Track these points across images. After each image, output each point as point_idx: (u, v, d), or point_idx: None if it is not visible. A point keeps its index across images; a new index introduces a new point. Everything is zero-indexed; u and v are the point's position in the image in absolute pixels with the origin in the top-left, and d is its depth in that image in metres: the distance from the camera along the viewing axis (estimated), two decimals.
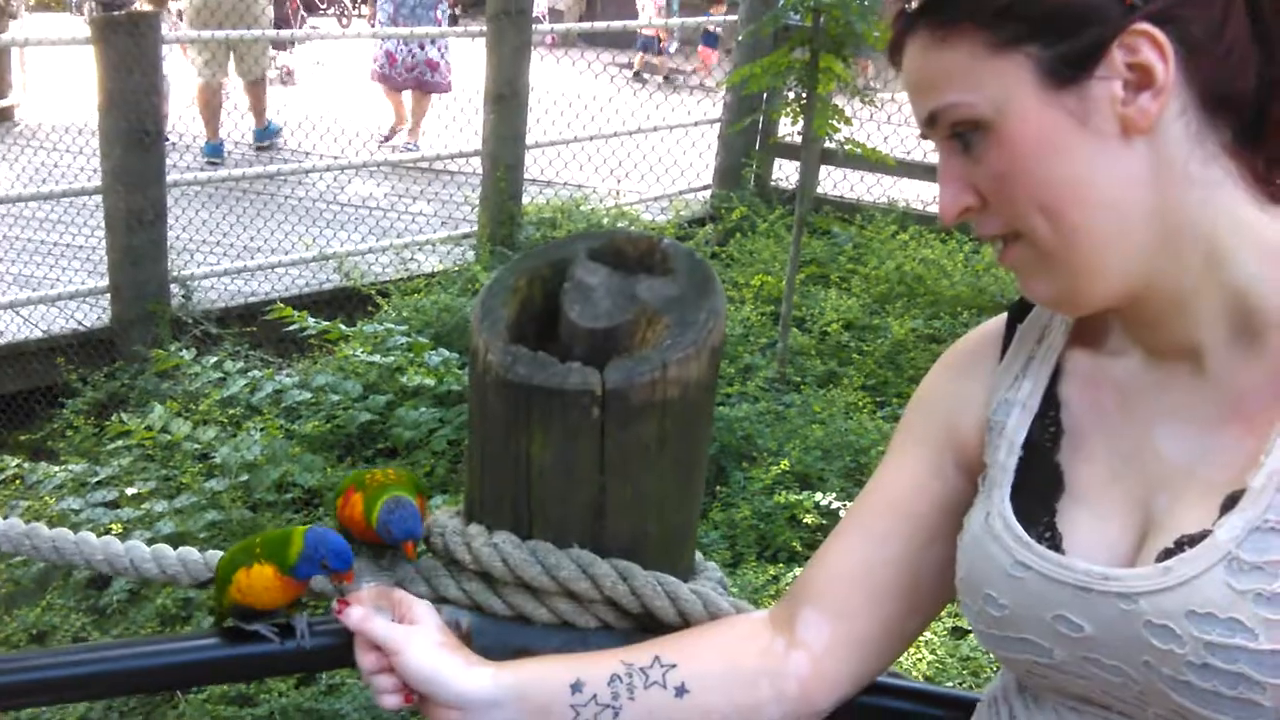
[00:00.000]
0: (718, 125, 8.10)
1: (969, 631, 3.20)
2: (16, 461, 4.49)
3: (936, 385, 1.17)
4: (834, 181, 7.91)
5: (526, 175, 7.28)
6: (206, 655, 1.32)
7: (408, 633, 1.11)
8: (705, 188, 8.19)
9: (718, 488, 4.17)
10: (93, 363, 5.78)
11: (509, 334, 1.26)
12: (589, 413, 1.19)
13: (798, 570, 3.58)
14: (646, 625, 1.23)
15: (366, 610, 1.13)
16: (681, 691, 1.09)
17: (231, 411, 4.76)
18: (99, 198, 5.91)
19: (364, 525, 1.29)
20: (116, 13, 7.56)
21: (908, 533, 1.11)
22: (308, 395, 4.44)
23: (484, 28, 6.96)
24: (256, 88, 9.36)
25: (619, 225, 7.17)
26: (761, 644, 1.14)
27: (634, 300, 1.28)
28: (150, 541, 3.54)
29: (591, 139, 7.92)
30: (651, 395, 1.19)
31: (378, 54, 9.40)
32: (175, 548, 1.47)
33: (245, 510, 3.98)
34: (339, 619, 1.14)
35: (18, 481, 4.44)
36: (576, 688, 1.08)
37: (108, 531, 3.90)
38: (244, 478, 4.00)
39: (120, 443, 4.57)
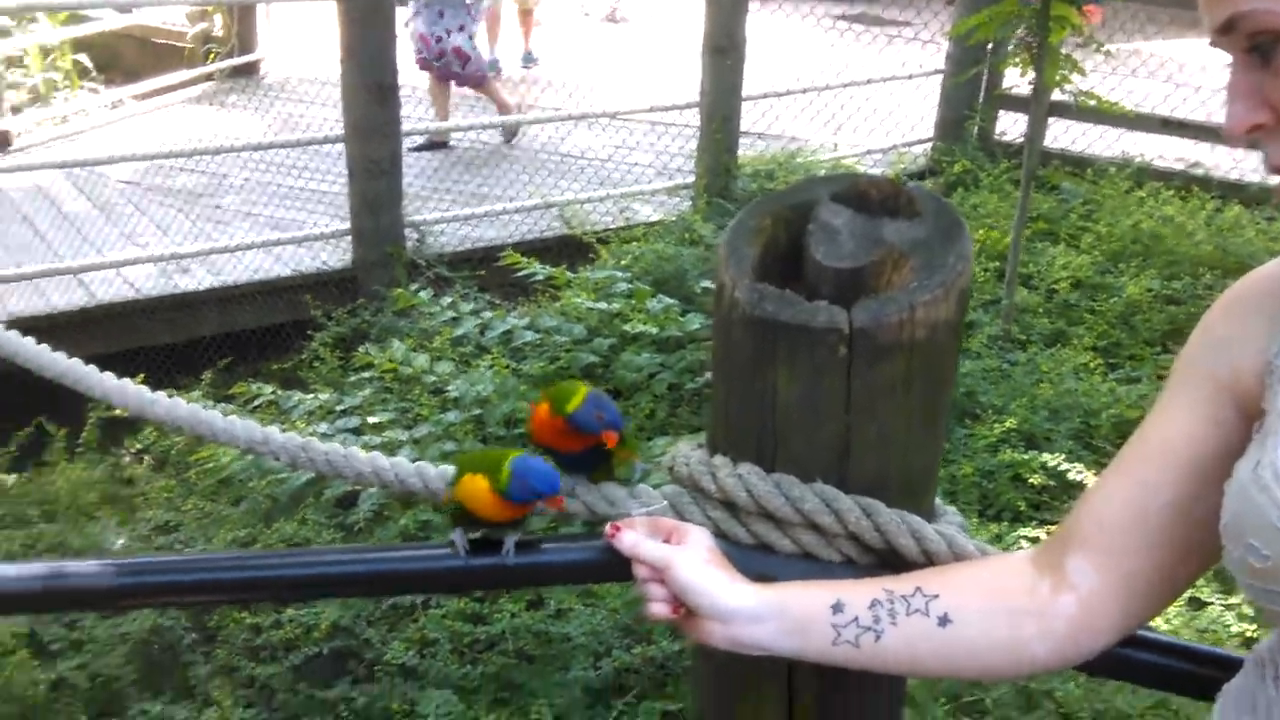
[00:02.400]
0: (939, 77, 7.85)
1: (1207, 604, 3.08)
2: (271, 388, 4.85)
3: (1213, 327, 1.12)
4: (1061, 135, 7.57)
5: (743, 128, 7.27)
6: (426, 565, 1.44)
7: (677, 550, 1.18)
8: (925, 140, 7.98)
9: None
10: (336, 300, 6.17)
11: (754, 272, 1.31)
12: (836, 351, 1.22)
13: (1022, 530, 3.52)
14: (889, 562, 1.27)
15: (637, 535, 1.21)
16: (945, 621, 1.11)
17: (462, 350, 5.00)
18: (341, 146, 6.26)
19: (560, 426, 1.37)
20: None
21: (1181, 479, 1.08)
22: (535, 336, 4.61)
23: None
24: (527, 16, 10.44)
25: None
26: (1026, 583, 1.14)
27: (880, 242, 1.30)
28: None
29: (806, 91, 7.83)
30: (899, 336, 1.22)
31: (413, 39, 8.26)
32: None
33: (477, 442, 4.19)
34: (611, 542, 1.22)
35: (273, 406, 4.80)
36: (838, 608, 1.12)
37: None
38: (477, 412, 4.21)
39: (363, 374, 4.88)
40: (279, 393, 4.81)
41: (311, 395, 4.79)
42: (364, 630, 3.24)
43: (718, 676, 1.44)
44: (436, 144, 8.22)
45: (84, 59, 10.49)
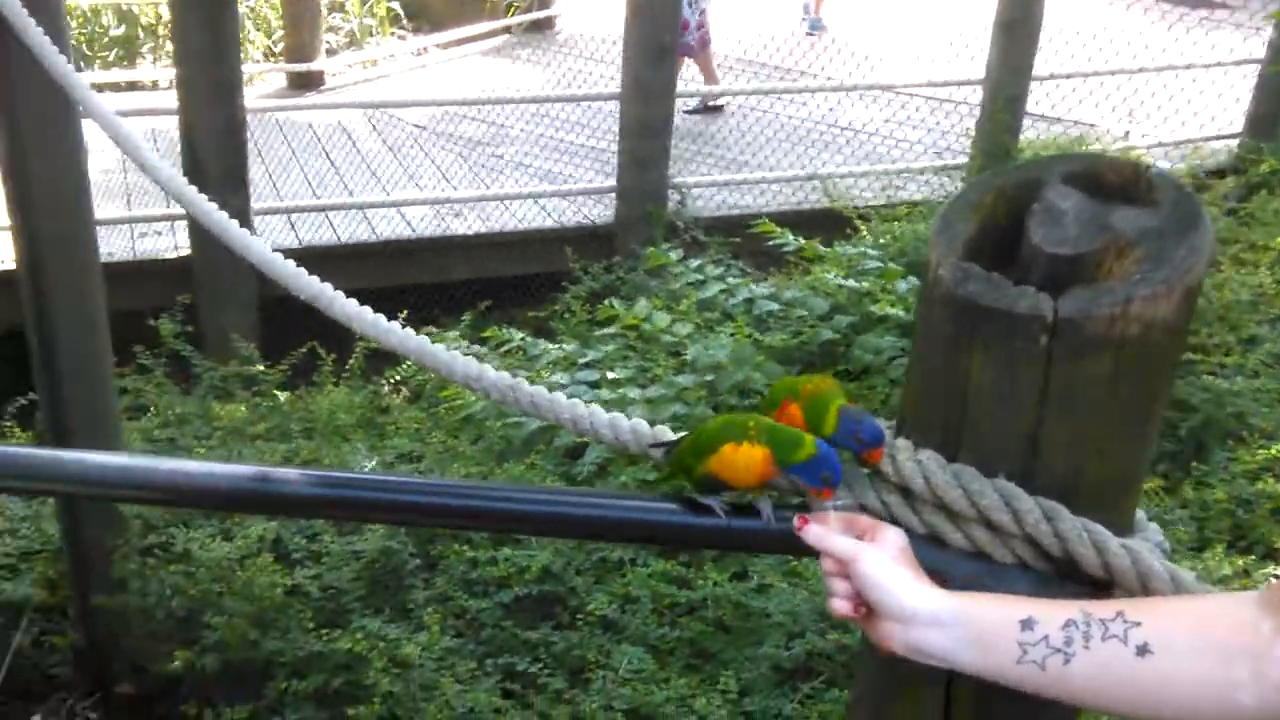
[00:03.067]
0: (1256, 66, 7.20)
1: None
2: (521, 335, 5.04)
3: None
4: None
5: (1030, 109, 6.92)
6: (664, 518, 1.43)
7: (864, 545, 1.14)
8: (1232, 136, 7.35)
9: (1194, 464, 3.81)
10: (594, 255, 6.33)
11: (965, 250, 1.23)
12: (1036, 340, 1.13)
13: (1274, 567, 3.20)
14: (1066, 572, 1.17)
15: (825, 528, 1.17)
16: (1144, 651, 1.00)
17: (708, 314, 5.02)
18: (615, 104, 6.39)
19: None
20: None
21: None
22: (776, 307, 4.57)
23: None
24: None
25: None
26: (1245, 621, 1.00)
27: (1106, 229, 1.19)
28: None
29: (1099, 75, 7.35)
30: (1109, 330, 1.12)
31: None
32: None
33: (708, 408, 4.21)
34: (798, 534, 1.18)
35: (520, 352, 4.99)
36: (1028, 624, 1.04)
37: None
38: (709, 377, 4.22)
39: (608, 329, 4.99)
40: (527, 339, 4.98)
41: (558, 345, 4.94)
42: (572, 578, 3.33)
43: (878, 671, 1.38)
44: (711, 108, 8.27)
45: (396, 6, 11.15)
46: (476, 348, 5.05)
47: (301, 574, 3.53)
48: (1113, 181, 1.27)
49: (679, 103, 7.35)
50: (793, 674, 2.89)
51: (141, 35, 10.19)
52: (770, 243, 5.13)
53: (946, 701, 1.27)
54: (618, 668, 2.90)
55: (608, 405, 4.33)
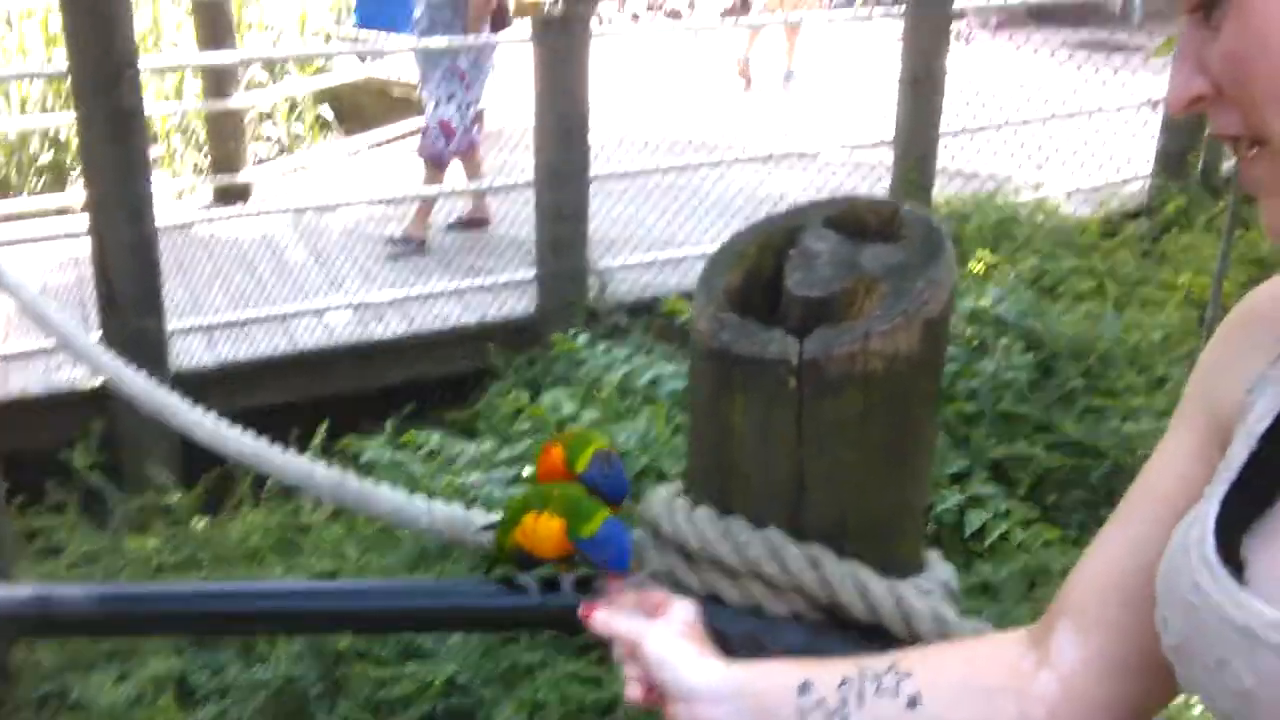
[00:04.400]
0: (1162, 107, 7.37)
1: None
2: (438, 436, 4.98)
3: (1207, 354, 0.96)
4: None
5: (944, 165, 7.03)
6: (466, 601, 1.38)
7: (649, 624, 1.09)
8: (1143, 177, 7.49)
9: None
10: (520, 348, 6.31)
11: (729, 301, 1.22)
12: (785, 382, 1.12)
13: None
14: (838, 619, 1.14)
15: (609, 612, 1.13)
16: (914, 702, 0.97)
17: (629, 401, 4.99)
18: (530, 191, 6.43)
19: (567, 476, 1.30)
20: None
21: (1165, 534, 0.93)
22: (684, 382, 4.55)
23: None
24: (793, 31, 10.38)
25: (1037, 218, 6.73)
26: (1009, 659, 0.98)
27: (855, 268, 1.19)
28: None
29: (1007, 125, 7.48)
30: (851, 367, 1.10)
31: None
32: None
33: None
34: (584, 622, 1.14)
35: (439, 456, 4.93)
36: (805, 689, 0.99)
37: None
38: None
39: (528, 424, 4.94)
40: (445, 440, 4.93)
41: (475, 444, 4.89)
42: (478, 690, 3.25)
43: None
44: (475, 221, 7.93)
45: (326, 112, 11.18)
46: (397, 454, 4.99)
47: (203, 712, 3.42)
48: (872, 223, 1.27)
49: (442, 216, 7.55)
50: None
51: (69, 160, 10.21)
52: (680, 322, 5.14)
53: None
54: None
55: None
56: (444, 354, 6.51)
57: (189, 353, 6.15)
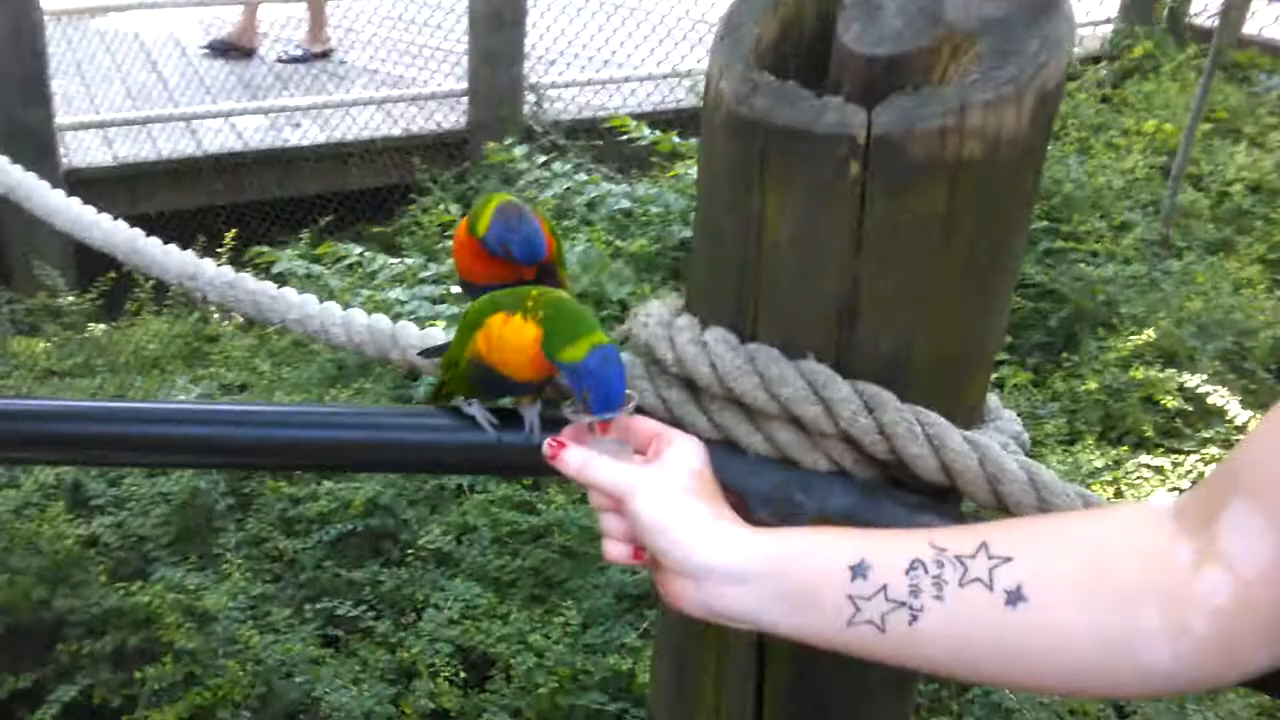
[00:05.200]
0: None
1: None
2: (360, 250, 4.63)
3: None
4: (1269, 20, 6.68)
5: None
6: (417, 436, 1.08)
7: (643, 473, 0.82)
8: (1106, 21, 7.18)
9: (1064, 355, 3.63)
10: (447, 164, 5.90)
11: (759, 59, 0.92)
12: (845, 168, 0.83)
13: (1145, 457, 3.03)
14: (897, 477, 0.89)
15: (586, 454, 0.85)
16: (1015, 599, 0.71)
17: (567, 223, 4.67)
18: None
19: (475, 250, 1.03)
20: None
21: None
22: (628, 204, 4.24)
23: None
24: None
25: None
26: (1153, 548, 0.71)
27: (937, 21, 0.89)
28: None
29: None
30: (940, 149, 0.82)
31: None
32: None
33: None
34: (551, 463, 0.86)
35: (359, 269, 4.58)
36: (860, 571, 0.74)
37: (430, 324, 3.93)
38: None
39: (451, 241, 4.61)
40: (366, 254, 4.58)
41: (399, 260, 4.55)
42: (403, 510, 3.00)
43: (674, 629, 1.09)
44: (318, 54, 7.06)
45: None
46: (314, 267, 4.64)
47: (100, 522, 3.13)
48: None
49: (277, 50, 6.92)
50: (638, 600, 2.62)
51: None
52: (623, 138, 4.78)
53: (759, 659, 0.99)
54: (448, 604, 2.59)
55: (452, 320, 3.99)
56: (366, 166, 6.07)
57: (83, 151, 5.63)
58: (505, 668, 2.51)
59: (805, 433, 0.89)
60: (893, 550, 0.74)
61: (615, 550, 0.84)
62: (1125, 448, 3.08)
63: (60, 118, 5.43)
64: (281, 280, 5.09)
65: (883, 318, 0.87)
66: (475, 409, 1.03)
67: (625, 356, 0.99)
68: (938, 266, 0.86)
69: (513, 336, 0.94)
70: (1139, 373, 3.32)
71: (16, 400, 1.27)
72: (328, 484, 3.09)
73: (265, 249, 4.81)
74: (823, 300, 0.87)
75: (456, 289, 4.21)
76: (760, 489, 0.90)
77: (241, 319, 5.08)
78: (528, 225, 1.01)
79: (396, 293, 4.14)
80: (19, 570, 3.00)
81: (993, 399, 0.98)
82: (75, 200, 1.77)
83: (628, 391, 0.88)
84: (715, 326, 0.93)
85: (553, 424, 0.97)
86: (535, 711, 2.41)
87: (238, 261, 4.93)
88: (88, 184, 5.29)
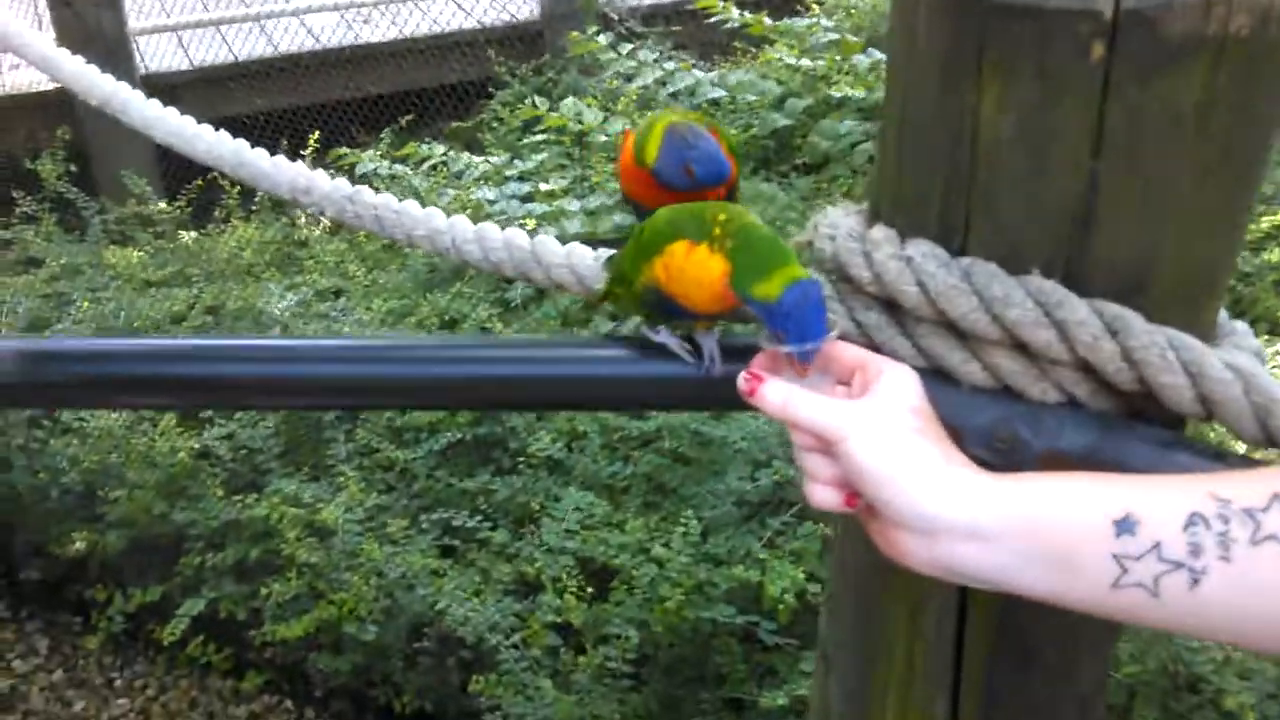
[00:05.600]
0: None
1: None
2: (442, 150, 4.53)
3: None
4: None
5: None
6: (604, 370, 0.98)
7: (857, 412, 0.72)
8: None
9: None
10: (522, 57, 5.75)
11: None
12: (1087, 51, 0.71)
13: None
14: (1141, 409, 0.78)
15: (789, 389, 0.75)
16: None
17: (650, 112, 4.52)
18: None
19: (645, 179, 0.92)
20: None
21: None
22: (722, 93, 4.07)
23: None
24: None
25: None
26: None
27: None
28: (560, 239, 3.38)
29: None
30: (1203, 24, 0.69)
31: None
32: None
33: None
34: (749, 400, 0.77)
35: (444, 169, 4.50)
36: (1126, 526, 0.64)
37: (521, 225, 3.85)
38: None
39: (540, 137, 4.48)
40: (450, 154, 4.48)
41: (484, 159, 4.44)
42: (511, 417, 2.95)
43: (853, 571, 1.00)
44: None
45: None
46: (398, 168, 4.56)
47: (211, 434, 3.14)
48: None
49: None
50: (760, 508, 2.55)
51: None
52: (711, 20, 4.57)
53: (960, 606, 0.90)
54: (563, 515, 2.55)
55: (541, 220, 3.90)
56: (441, 62, 5.94)
57: (157, 56, 5.57)
58: (628, 579, 2.47)
59: (1032, 360, 0.78)
60: (1165, 502, 0.64)
61: (822, 494, 0.75)
62: (1264, 336, 2.90)
63: (133, 22, 5.36)
64: (365, 182, 5.05)
65: (1123, 226, 0.75)
66: (665, 336, 0.93)
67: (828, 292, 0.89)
68: (1188, 165, 0.74)
69: (696, 269, 0.84)
70: (1273, 255, 3.12)
71: (139, 340, 1.19)
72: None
73: (346, 150, 4.74)
74: (1052, 207, 0.76)
75: (546, 186, 4.11)
76: (978, 424, 0.80)
77: (328, 222, 5.05)
78: (706, 142, 0.90)
79: (485, 192, 4.05)
80: (137, 484, 3.04)
81: (1222, 313, 0.87)
82: (172, 111, 1.69)
83: (829, 318, 0.78)
84: (918, 238, 0.82)
85: (733, 353, 0.88)
86: (663, 625, 2.37)
87: (319, 164, 4.89)
88: (164, 90, 5.23)
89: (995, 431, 0.79)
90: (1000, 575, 0.67)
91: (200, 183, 4.55)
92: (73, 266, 4.29)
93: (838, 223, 0.88)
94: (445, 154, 4.52)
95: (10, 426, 3.31)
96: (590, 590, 2.51)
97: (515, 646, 2.46)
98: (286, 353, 0.99)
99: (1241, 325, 0.86)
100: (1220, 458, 0.75)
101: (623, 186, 1.03)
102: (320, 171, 1.34)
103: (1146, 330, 0.74)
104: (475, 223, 3.37)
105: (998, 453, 0.80)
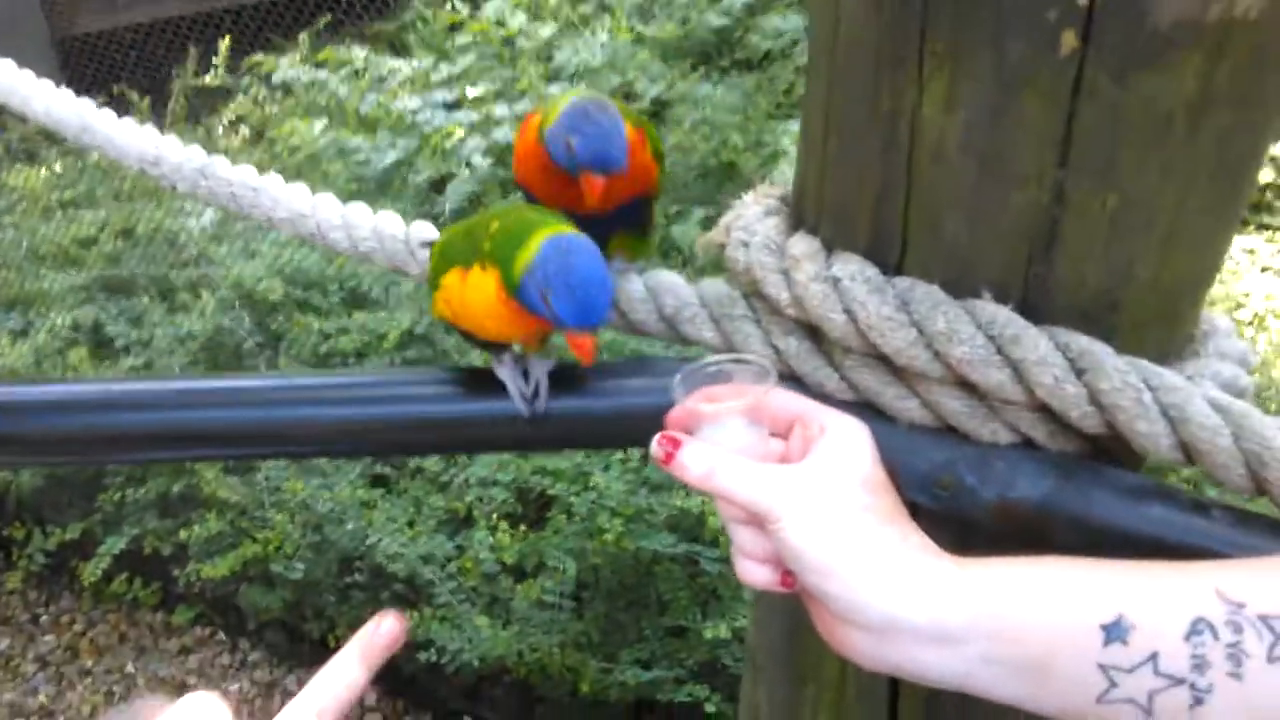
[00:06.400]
0: None
1: None
2: (364, 54, 4.28)
3: None
4: None
5: None
6: (398, 410, 0.85)
7: (794, 485, 0.60)
8: None
9: None
10: None
11: None
12: (1055, 40, 0.58)
13: (1236, 238, 2.78)
14: (1108, 449, 0.67)
15: (712, 454, 0.62)
16: None
17: (582, 10, 4.28)
18: None
19: (533, 154, 0.79)
20: None
21: None
22: None
23: None
24: None
25: None
26: None
27: None
28: (486, 151, 3.14)
29: None
30: (1200, 11, 0.56)
31: None
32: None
33: None
34: (664, 467, 0.64)
35: (365, 76, 4.26)
36: (1117, 632, 0.53)
37: (448, 135, 3.66)
38: (581, 83, 3.57)
39: (466, 38, 4.25)
40: (372, 58, 4.24)
41: (407, 63, 4.21)
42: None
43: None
44: None
45: None
46: (317, 73, 4.31)
47: (125, 365, 2.98)
48: None
49: None
50: None
51: None
52: None
53: (892, 693, 0.80)
54: None
55: (470, 130, 3.70)
56: None
57: None
58: (565, 508, 2.37)
59: (981, 397, 0.67)
60: (1164, 602, 0.53)
61: (753, 573, 0.63)
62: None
63: None
64: (285, 90, 4.77)
65: (1094, 244, 0.63)
66: (507, 371, 0.80)
67: (719, 286, 0.76)
68: (1175, 172, 0.61)
69: (474, 295, 0.72)
70: None
71: None
72: (360, 316, 2.90)
73: (261, 58, 4.47)
74: (1008, 222, 0.63)
75: (474, 91, 3.90)
76: (916, 468, 0.68)
77: (246, 132, 4.80)
78: (608, 124, 0.76)
79: (409, 101, 3.84)
80: None
81: (1206, 315, 0.75)
82: (6, 65, 1.49)
83: (753, 358, 0.65)
84: (846, 253, 0.69)
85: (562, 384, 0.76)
86: (602, 557, 2.28)
87: (235, 72, 4.61)
88: None
89: (936, 477, 0.68)
90: (964, 681, 0.57)
91: (105, 97, 4.28)
92: None
93: (753, 226, 0.75)
94: (366, 57, 4.28)
95: None
96: (527, 516, 2.42)
97: (451, 577, 2.37)
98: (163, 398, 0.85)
99: (1224, 322, 0.74)
100: (1201, 509, 0.64)
101: (515, 168, 0.88)
102: (171, 138, 1.17)
103: (1117, 369, 0.62)
104: (398, 136, 3.11)
105: (939, 500, 0.68)
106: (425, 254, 0.94)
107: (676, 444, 0.63)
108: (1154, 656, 0.52)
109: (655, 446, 0.64)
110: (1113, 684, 0.53)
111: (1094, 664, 0.53)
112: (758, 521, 0.61)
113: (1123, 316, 0.65)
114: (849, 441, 0.61)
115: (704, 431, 0.64)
